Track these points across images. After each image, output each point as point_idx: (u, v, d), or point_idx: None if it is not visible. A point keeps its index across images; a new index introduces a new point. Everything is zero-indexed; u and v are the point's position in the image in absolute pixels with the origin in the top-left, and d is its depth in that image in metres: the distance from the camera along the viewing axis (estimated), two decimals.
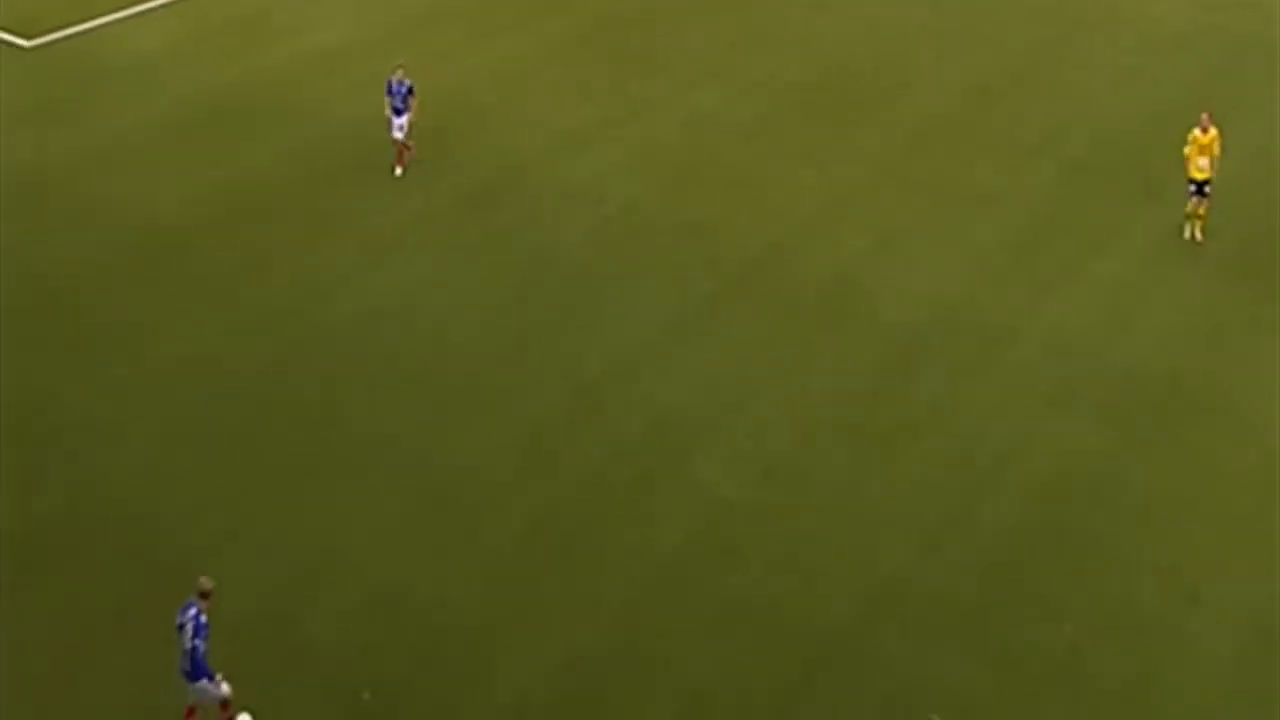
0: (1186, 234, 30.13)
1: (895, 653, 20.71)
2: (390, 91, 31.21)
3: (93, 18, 38.20)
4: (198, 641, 17.75)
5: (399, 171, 31.66)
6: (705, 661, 20.43)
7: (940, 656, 20.64)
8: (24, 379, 25.57)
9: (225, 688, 18.25)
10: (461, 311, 27.65)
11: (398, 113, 31.18)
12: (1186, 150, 29.67)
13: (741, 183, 31.94)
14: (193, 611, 17.80)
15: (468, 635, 20.73)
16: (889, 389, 25.91)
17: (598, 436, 24.53)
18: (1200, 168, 29.37)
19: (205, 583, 17.91)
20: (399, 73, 31.18)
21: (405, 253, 29.44)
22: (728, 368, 26.30)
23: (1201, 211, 29.62)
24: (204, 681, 18.03)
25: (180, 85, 35.35)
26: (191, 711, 18.61)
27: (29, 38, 36.98)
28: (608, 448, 24.32)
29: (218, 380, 25.71)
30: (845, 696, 19.98)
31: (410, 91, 31.10)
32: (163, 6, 39.15)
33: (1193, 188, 29.70)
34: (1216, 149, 29.48)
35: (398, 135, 31.39)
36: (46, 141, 32.92)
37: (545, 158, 32.78)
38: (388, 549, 22.09)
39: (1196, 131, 29.51)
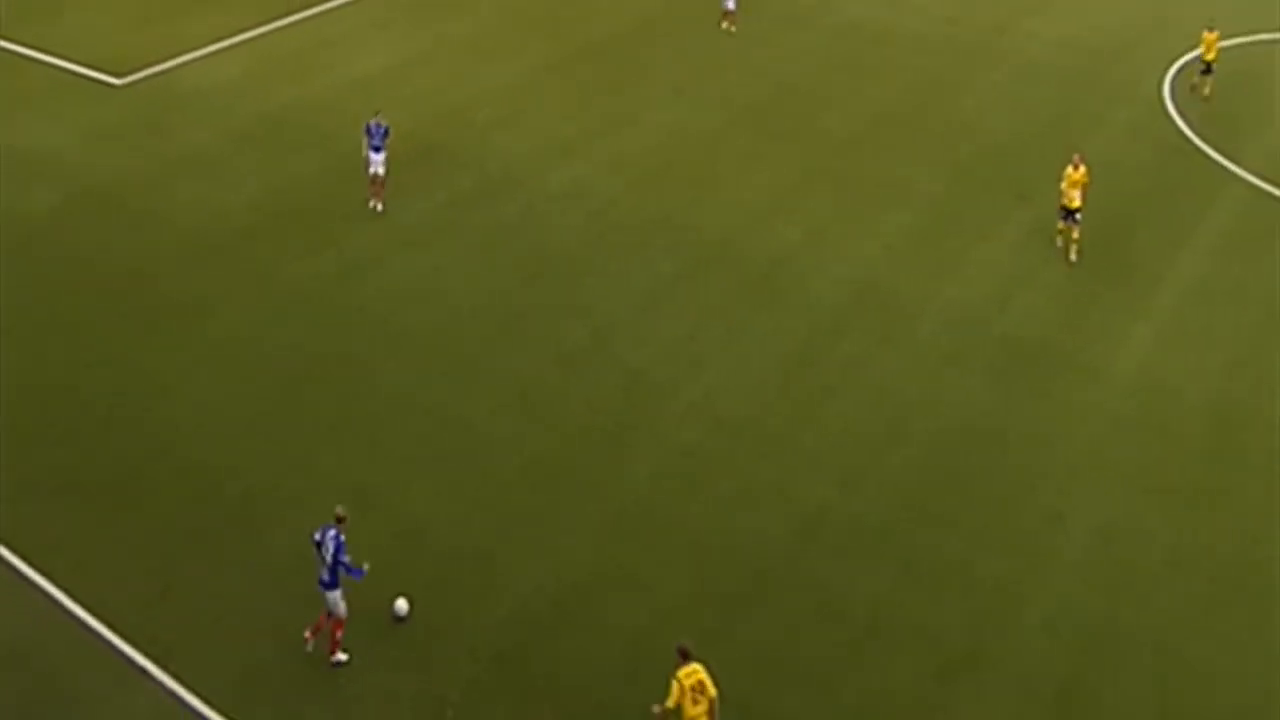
0: (1059, 244, 29.07)
1: (823, 567, 20.38)
2: (369, 132, 29.03)
3: (176, 55, 37.11)
4: (341, 557, 17.57)
5: (378, 206, 29.45)
6: (670, 576, 20.04)
7: (858, 569, 20.35)
8: (105, 347, 24.91)
9: (343, 607, 18.02)
10: (469, 293, 26.93)
11: (376, 150, 28.98)
12: (1062, 185, 28.66)
13: (700, 183, 31.27)
14: (332, 533, 17.64)
15: (475, 558, 20.25)
16: (817, 354, 25.35)
17: (579, 395, 23.95)
18: (1072, 198, 28.52)
19: (340, 511, 17.79)
20: (378, 116, 29.34)
21: (423, 242, 28.65)
22: (686, 336, 25.71)
23: (1075, 235, 28.77)
24: (338, 592, 17.82)
25: (246, 108, 34.35)
26: (319, 628, 18.31)
27: (120, 75, 35.91)
28: (588, 404, 23.74)
29: (267, 348, 25.00)
30: (784, 603, 19.69)
31: (387, 133, 29.06)
32: (235, 45, 38.09)
33: (1064, 214, 28.74)
34: (1086, 181, 28.69)
35: (378, 171, 29.11)
36: (131, 155, 31.99)
37: (537, 165, 31.98)
38: (409, 489, 21.51)
39: (1069, 169, 28.64)
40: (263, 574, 19.66)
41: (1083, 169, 28.54)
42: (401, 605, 18.90)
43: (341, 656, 18.30)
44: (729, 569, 20.23)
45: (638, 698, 17.12)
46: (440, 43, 39.14)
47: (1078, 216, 28.53)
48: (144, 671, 18.08)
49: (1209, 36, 37.23)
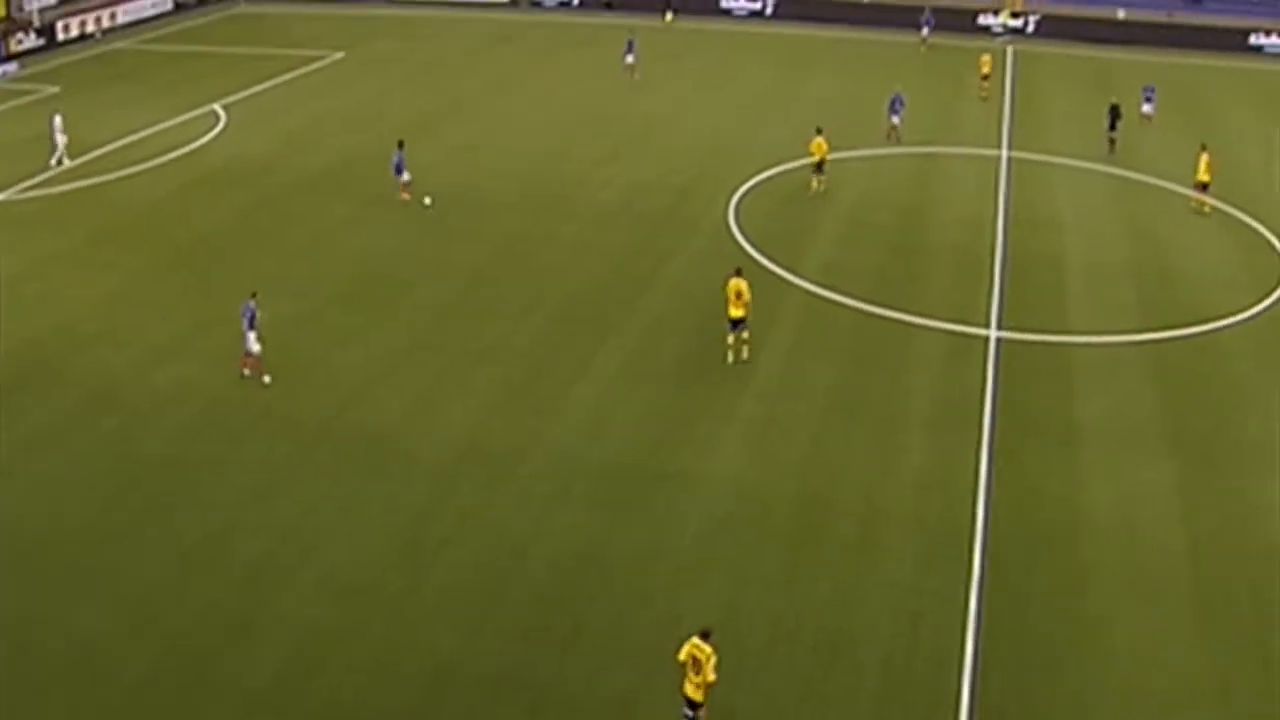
0: (730, 359, 31.59)
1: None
2: (242, 314, 30.66)
3: None
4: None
5: (266, 378, 30.75)
6: None
7: (489, 717, 20.83)
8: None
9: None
10: (80, 503, 26.24)
11: (252, 326, 30.51)
12: (729, 299, 31.52)
13: (300, 368, 31.61)
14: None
15: None
16: (430, 514, 25.98)
17: (198, 593, 23.66)
18: (734, 310, 31.31)
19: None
20: (253, 300, 30.73)
21: (26, 464, 27.77)
22: (303, 516, 25.86)
23: (745, 336, 31.62)
24: None
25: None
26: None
27: None
28: (209, 600, 23.50)
29: None
30: None
31: (255, 313, 30.56)
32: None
33: (730, 324, 31.47)
34: (747, 296, 31.32)
35: (254, 349, 30.67)
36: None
37: (139, 371, 31.64)
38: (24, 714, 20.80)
39: (731, 284, 31.40)
40: None
41: (744, 284, 31.38)
42: None
43: None
44: None
45: None
46: (37, 263, 38.38)
47: (740, 326, 31.40)
48: None
49: (819, 141, 43.40)
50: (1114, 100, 52.04)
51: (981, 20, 76.79)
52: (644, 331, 33.63)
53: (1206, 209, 44.17)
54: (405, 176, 43.24)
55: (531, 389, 30.79)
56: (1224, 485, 27.20)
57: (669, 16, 79.46)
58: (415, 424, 29.27)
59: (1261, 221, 42.97)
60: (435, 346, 33.02)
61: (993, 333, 33.82)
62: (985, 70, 60.57)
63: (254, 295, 31.12)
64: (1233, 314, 35.48)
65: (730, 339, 31.77)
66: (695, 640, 19.45)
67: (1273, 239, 41.38)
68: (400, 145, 44.08)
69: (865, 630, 22.54)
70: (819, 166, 44.26)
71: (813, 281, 36.41)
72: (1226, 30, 74.03)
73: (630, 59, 63.36)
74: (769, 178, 46.40)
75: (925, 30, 72.30)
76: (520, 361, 32.20)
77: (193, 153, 49.50)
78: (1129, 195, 46.04)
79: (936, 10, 75.84)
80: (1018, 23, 76.62)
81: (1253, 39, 73.87)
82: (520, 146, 50.28)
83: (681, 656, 19.64)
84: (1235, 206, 44.39)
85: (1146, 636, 22.70)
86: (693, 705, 19.62)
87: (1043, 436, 28.89)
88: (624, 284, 36.45)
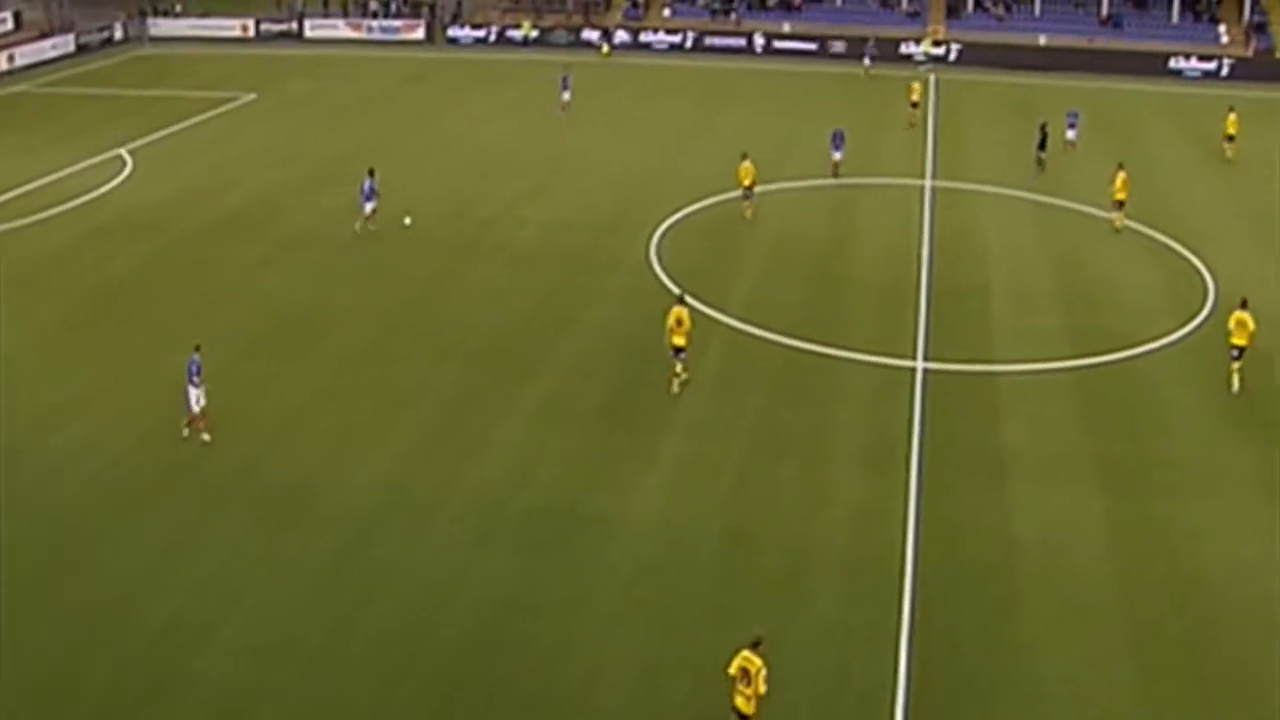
0: (675, 389, 32.33)
1: None
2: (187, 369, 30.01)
3: None
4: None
5: (205, 436, 30.20)
6: None
7: None
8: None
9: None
10: None
11: (195, 384, 29.85)
12: (670, 327, 32.35)
13: (211, 419, 31.10)
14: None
15: None
16: (350, 564, 25.77)
17: (106, 657, 23.25)
18: (676, 338, 32.15)
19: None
20: (197, 353, 30.02)
21: None
22: (217, 573, 25.52)
23: (679, 369, 32.39)
24: None
25: None
26: None
27: None
28: (116, 667, 23.03)
29: None
30: None
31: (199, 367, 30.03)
32: None
33: (673, 352, 32.26)
34: (688, 324, 32.21)
35: (195, 407, 30.13)
36: None
37: (40, 429, 31.12)
38: None
39: (673, 312, 32.30)
40: None
41: (685, 315, 32.26)
42: None
43: None
44: None
45: None
46: None
47: (683, 355, 32.27)
48: None
49: (746, 165, 44.71)
50: (1043, 121, 53.72)
51: (904, 49, 78.03)
52: (566, 372, 33.70)
53: (1119, 224, 45.37)
54: (370, 206, 43.75)
55: (452, 433, 30.71)
56: (1152, 511, 27.68)
57: (605, 49, 80.00)
58: (333, 473, 29.08)
59: (1185, 244, 43.92)
60: (352, 393, 32.86)
61: (919, 364, 34.25)
62: (915, 97, 61.56)
63: (197, 348, 30.43)
64: (1158, 338, 36.19)
65: (678, 366, 32.35)
66: (745, 652, 19.79)
67: (1196, 262, 42.28)
68: (371, 173, 44.50)
69: (795, 670, 22.61)
70: (748, 191, 44.89)
71: (737, 317, 36.68)
72: (1146, 54, 75.81)
73: (566, 95, 63.48)
74: (692, 212, 46.76)
75: (868, 60, 73.65)
76: (440, 406, 32.13)
77: (97, 199, 49.00)
78: (1053, 221, 46.91)
79: (858, 40, 77.14)
80: (939, 51, 77.95)
81: (1172, 63, 75.66)
82: (438, 186, 50.31)
83: (732, 670, 19.91)
84: (1159, 230, 45.35)
85: (1078, 666, 22.99)
86: (743, 718, 19.86)
87: (972, 468, 29.26)
88: (545, 324, 36.56)
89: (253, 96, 67.59)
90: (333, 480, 28.80)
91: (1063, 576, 25.43)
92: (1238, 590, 25.07)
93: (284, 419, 31.50)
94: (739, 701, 19.78)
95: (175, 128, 60.65)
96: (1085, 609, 24.48)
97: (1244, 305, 33.18)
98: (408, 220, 44.57)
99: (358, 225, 44.24)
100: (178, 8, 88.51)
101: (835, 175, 50.97)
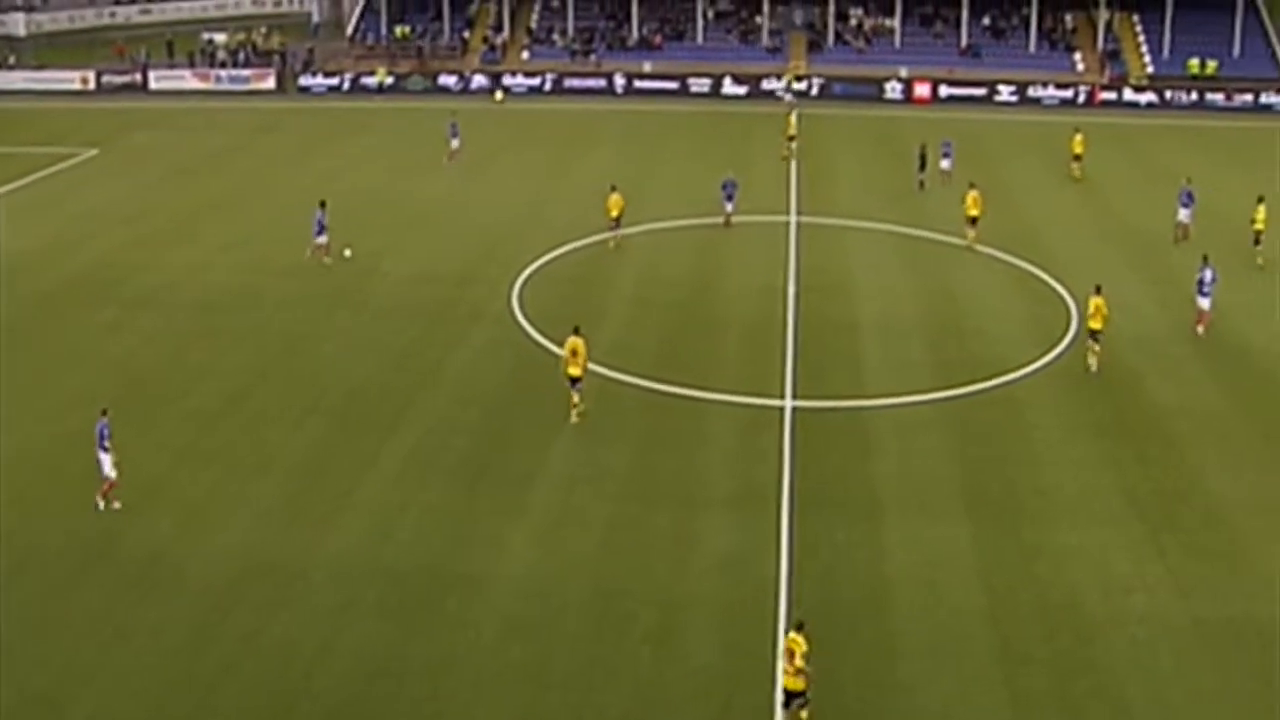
0: (574, 418, 33.40)
1: None
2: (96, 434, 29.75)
3: None
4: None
5: (116, 504, 29.82)
6: None
7: None
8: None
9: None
10: None
11: (106, 450, 29.55)
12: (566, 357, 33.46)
13: (57, 491, 30.54)
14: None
15: None
16: (209, 636, 25.42)
17: None
18: (572, 369, 33.27)
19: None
20: (105, 417, 29.85)
21: None
22: (69, 651, 24.94)
23: (576, 399, 33.46)
24: None
25: None
26: None
27: None
28: None
29: None
30: None
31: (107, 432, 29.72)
32: None
33: (569, 382, 33.35)
34: (583, 354, 33.39)
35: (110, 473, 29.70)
36: None
37: None
38: None
39: (569, 342, 33.37)
40: None
41: (580, 345, 33.36)
42: None
43: None
44: None
45: None
46: None
47: (580, 385, 33.35)
48: None
49: (615, 197, 46.59)
50: (923, 144, 56.92)
51: (766, 85, 79.57)
52: (428, 429, 33.72)
53: (971, 240, 47.53)
54: (323, 239, 45.78)
55: (313, 495, 30.53)
56: (1020, 539, 28.54)
57: (499, 95, 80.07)
58: (187, 543, 28.68)
59: (1048, 270, 45.42)
60: (207, 457, 32.48)
61: (788, 403, 34.93)
62: (791, 131, 62.68)
63: (104, 412, 30.05)
64: (1024, 365, 37.38)
65: (575, 397, 33.35)
66: (791, 634, 22.28)
67: (1059, 288, 43.72)
68: (322, 205, 46.17)
69: None
70: (615, 223, 46.57)
71: (600, 364, 37.02)
72: (1006, 83, 78.32)
73: (455, 143, 63.33)
74: (555, 258, 47.20)
75: (788, 96, 76.52)
76: (298, 468, 31.93)
77: None
78: (919, 253, 48.20)
79: (717, 77, 78.57)
80: (801, 85, 79.61)
81: (1031, 91, 78.21)
82: (291, 241, 49.92)
83: (781, 649, 22.86)
84: (1022, 257, 46.85)
85: (955, 699, 23.58)
86: (788, 696, 22.13)
87: (843, 506, 29.88)
88: (406, 380, 36.60)
89: (94, 152, 66.63)
90: (188, 551, 28.38)
91: (936, 610, 26.08)
92: (1109, 610, 25.96)
93: (136, 489, 30.86)
94: (786, 681, 22.13)
95: (10, 187, 59.52)
96: (959, 641, 25.13)
97: (1098, 291, 36.84)
98: (347, 252, 46.33)
99: (308, 253, 45.97)
100: (10, 60, 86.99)
101: (727, 224, 51.07)
